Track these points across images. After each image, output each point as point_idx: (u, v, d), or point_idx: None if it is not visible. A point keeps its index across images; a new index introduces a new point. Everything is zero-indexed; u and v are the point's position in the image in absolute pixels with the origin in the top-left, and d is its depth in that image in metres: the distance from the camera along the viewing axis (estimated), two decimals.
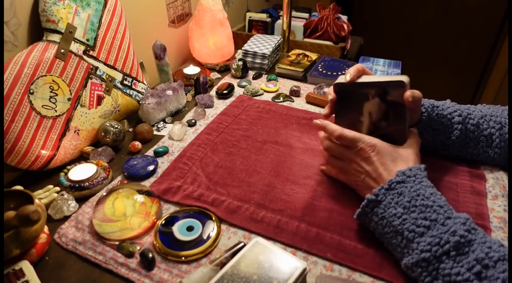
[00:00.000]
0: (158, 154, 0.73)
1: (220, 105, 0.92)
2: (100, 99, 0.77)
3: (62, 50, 0.68)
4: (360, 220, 0.54)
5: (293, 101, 0.94)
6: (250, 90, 0.96)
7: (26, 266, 0.48)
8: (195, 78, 0.96)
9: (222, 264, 0.48)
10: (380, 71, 1.03)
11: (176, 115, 0.89)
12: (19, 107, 0.62)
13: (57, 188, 0.64)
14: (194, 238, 0.53)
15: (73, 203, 0.60)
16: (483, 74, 2.28)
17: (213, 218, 0.57)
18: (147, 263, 0.50)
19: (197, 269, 0.48)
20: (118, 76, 0.81)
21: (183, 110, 0.91)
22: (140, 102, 0.83)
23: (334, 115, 0.64)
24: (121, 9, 0.81)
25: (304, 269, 0.45)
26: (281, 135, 0.79)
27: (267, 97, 0.96)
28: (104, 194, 0.61)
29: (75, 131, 0.72)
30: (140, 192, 0.62)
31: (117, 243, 0.54)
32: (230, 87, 0.96)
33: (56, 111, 0.68)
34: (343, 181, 0.63)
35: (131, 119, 0.86)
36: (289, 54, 1.17)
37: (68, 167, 0.67)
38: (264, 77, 1.09)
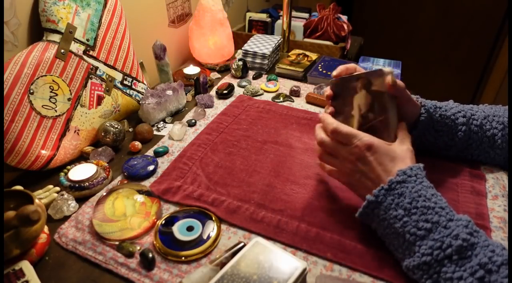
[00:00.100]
0: (158, 154, 0.73)
1: (220, 105, 0.92)
2: (100, 99, 0.77)
3: (62, 50, 0.68)
4: (362, 219, 0.53)
5: (293, 101, 0.94)
6: (250, 90, 0.96)
7: (26, 266, 0.48)
8: (195, 78, 0.96)
9: (222, 264, 0.48)
10: None
11: (176, 115, 0.89)
12: (19, 107, 0.62)
13: (57, 188, 0.64)
14: (194, 238, 0.53)
15: (73, 203, 0.60)
16: (483, 74, 2.28)
17: (213, 218, 0.57)
18: (147, 263, 0.50)
19: (197, 269, 0.48)
20: (118, 76, 0.81)
21: (183, 110, 0.91)
22: (140, 102, 0.83)
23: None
24: (121, 9, 0.81)
25: (304, 269, 0.45)
26: (281, 135, 0.79)
27: (267, 97, 0.96)
28: (104, 194, 0.61)
29: (75, 131, 0.72)
30: (140, 192, 0.62)
31: (117, 243, 0.54)
32: (230, 87, 0.96)
33: (56, 111, 0.68)
34: (336, 179, 0.60)
35: (131, 119, 0.86)
36: (289, 54, 1.17)
37: (68, 167, 0.67)
38: (264, 77, 1.09)
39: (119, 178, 0.68)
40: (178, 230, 0.55)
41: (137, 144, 0.75)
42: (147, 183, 0.66)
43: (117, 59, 0.80)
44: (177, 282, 0.48)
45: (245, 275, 0.44)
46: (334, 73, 0.59)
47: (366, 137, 0.52)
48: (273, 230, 0.56)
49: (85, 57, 0.73)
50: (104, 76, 0.77)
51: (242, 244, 0.52)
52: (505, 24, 2.10)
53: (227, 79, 1.06)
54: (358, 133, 0.53)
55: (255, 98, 0.95)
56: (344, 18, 1.33)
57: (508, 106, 0.66)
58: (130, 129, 0.83)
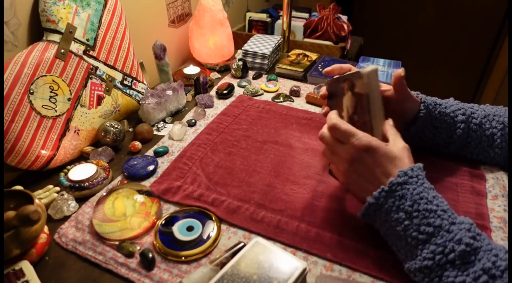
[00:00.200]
0: (158, 154, 0.73)
1: (220, 105, 0.92)
2: (100, 99, 0.77)
3: (62, 50, 0.68)
4: (365, 219, 0.52)
5: (293, 101, 0.94)
6: (250, 90, 0.96)
7: (26, 266, 0.48)
8: (195, 78, 0.96)
9: (222, 264, 0.48)
10: (380, 71, 1.03)
11: (176, 115, 0.89)
12: (19, 107, 0.62)
13: (57, 188, 0.64)
14: (194, 238, 0.53)
15: (73, 203, 0.60)
16: (483, 74, 2.28)
17: (213, 218, 0.57)
18: (147, 263, 0.50)
19: (197, 269, 0.48)
20: (118, 76, 0.81)
21: (183, 110, 0.91)
22: (140, 102, 0.83)
23: None
24: (121, 9, 0.81)
25: (304, 269, 0.45)
26: (281, 135, 0.79)
27: (267, 97, 0.96)
28: (104, 194, 0.61)
29: (75, 131, 0.72)
30: (140, 192, 0.62)
31: (117, 243, 0.54)
32: (230, 87, 0.96)
33: (56, 111, 0.68)
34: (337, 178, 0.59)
35: (131, 119, 0.86)
36: (289, 54, 1.17)
37: (68, 167, 0.67)
38: (264, 77, 1.09)
39: (119, 178, 0.68)
40: (178, 230, 0.55)
41: (137, 144, 0.75)
42: (147, 183, 0.66)
43: (117, 59, 0.80)
44: (177, 282, 0.48)
45: (245, 275, 0.44)
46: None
47: (365, 138, 0.49)
48: (273, 230, 0.56)
49: (85, 57, 0.73)
50: (104, 76, 0.77)
51: (242, 244, 0.52)
52: (505, 24, 2.10)
53: (227, 79, 1.06)
54: (357, 132, 0.50)
55: (255, 98, 0.95)
56: (344, 18, 1.33)
57: (508, 106, 0.66)
58: (130, 129, 0.83)
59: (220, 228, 0.57)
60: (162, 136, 0.80)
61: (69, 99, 0.70)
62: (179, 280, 0.49)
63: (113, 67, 0.79)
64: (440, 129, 0.63)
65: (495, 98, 2.13)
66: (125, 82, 0.83)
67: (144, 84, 0.88)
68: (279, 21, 1.31)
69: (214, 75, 1.09)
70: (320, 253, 0.52)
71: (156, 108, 0.82)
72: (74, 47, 0.71)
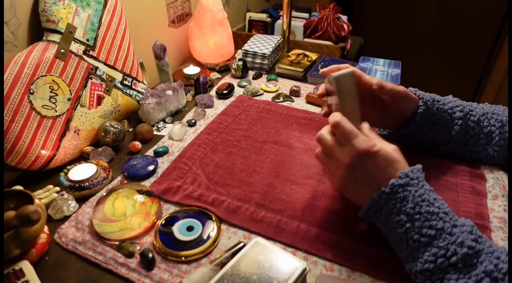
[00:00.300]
0: (158, 154, 0.73)
1: (220, 105, 0.92)
2: (100, 99, 0.77)
3: (62, 50, 0.68)
4: (366, 219, 0.52)
5: (293, 101, 0.94)
6: (250, 90, 0.96)
7: (26, 266, 0.48)
8: (195, 78, 0.96)
9: (222, 264, 0.48)
10: (380, 71, 1.03)
11: (176, 115, 0.89)
12: (19, 107, 0.62)
13: (57, 188, 0.64)
14: (194, 238, 0.53)
15: (73, 203, 0.60)
16: (483, 74, 2.28)
17: (213, 218, 0.57)
18: (147, 263, 0.50)
19: (197, 269, 0.48)
20: (118, 76, 0.81)
21: (183, 110, 0.91)
22: (140, 102, 0.83)
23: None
24: (121, 9, 0.81)
25: (304, 269, 0.45)
26: (281, 135, 0.79)
27: (267, 97, 0.96)
28: (104, 194, 0.61)
29: (75, 131, 0.72)
30: (140, 192, 0.62)
31: (117, 243, 0.54)
32: (230, 87, 0.96)
33: (56, 111, 0.68)
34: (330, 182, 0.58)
35: (131, 119, 0.86)
36: (289, 54, 1.17)
37: (68, 167, 0.67)
38: (264, 77, 1.09)
39: (119, 178, 0.68)
40: (178, 230, 0.55)
41: (137, 144, 0.75)
42: (147, 183, 0.66)
43: (117, 59, 0.80)
44: (177, 282, 0.48)
45: (245, 275, 0.44)
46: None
47: (367, 141, 0.47)
48: (273, 230, 0.56)
49: (85, 57, 0.73)
50: (104, 76, 0.77)
51: (242, 244, 0.52)
52: (505, 24, 2.10)
53: (227, 79, 1.06)
54: (360, 135, 0.48)
55: (255, 98, 0.95)
56: (344, 18, 1.33)
57: (508, 106, 0.66)
58: (130, 129, 0.83)
59: (220, 228, 0.57)
60: (162, 136, 0.80)
61: (69, 99, 0.70)
62: (179, 280, 0.49)
63: (113, 67, 0.79)
64: (438, 126, 0.64)
65: (495, 98, 2.13)
66: (125, 82, 0.83)
67: (144, 84, 0.88)
68: (279, 21, 1.31)
69: (214, 75, 1.09)
70: (320, 253, 0.52)
71: (156, 108, 0.82)
72: (74, 47, 0.71)
